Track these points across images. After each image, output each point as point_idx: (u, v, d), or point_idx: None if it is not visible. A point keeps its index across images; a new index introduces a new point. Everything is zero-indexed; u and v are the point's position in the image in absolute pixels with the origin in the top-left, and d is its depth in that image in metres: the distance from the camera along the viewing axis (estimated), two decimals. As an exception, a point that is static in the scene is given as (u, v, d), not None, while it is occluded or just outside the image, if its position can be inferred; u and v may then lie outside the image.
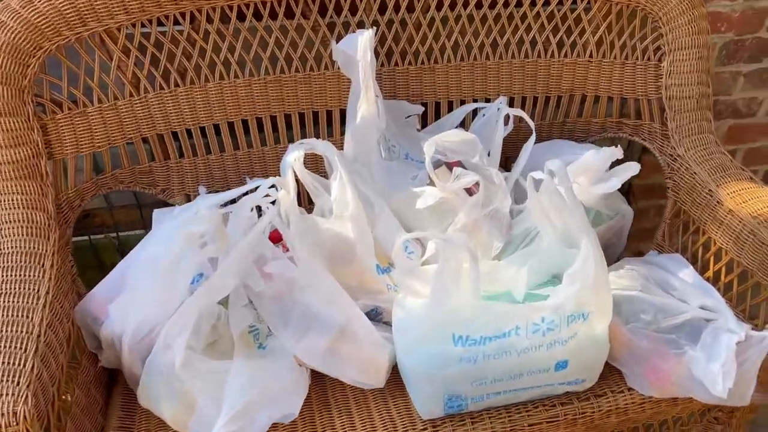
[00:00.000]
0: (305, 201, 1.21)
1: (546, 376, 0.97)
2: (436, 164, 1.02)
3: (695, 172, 1.17)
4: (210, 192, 1.20)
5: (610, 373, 1.06)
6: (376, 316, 1.08)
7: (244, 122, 1.18)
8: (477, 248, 1.04)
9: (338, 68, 1.14)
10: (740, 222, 1.07)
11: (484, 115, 1.18)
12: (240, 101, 1.15)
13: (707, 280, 1.15)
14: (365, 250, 1.01)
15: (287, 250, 0.99)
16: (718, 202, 1.12)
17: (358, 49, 0.98)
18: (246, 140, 1.19)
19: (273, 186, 0.92)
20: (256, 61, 1.14)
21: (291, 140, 1.22)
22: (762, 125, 1.68)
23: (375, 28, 1.12)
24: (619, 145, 1.02)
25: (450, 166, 1.01)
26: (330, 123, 1.23)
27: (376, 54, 1.15)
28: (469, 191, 1.01)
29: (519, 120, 1.18)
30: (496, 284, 1.00)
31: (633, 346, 1.03)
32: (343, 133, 1.22)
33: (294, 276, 0.95)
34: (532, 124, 1.11)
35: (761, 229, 1.04)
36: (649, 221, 1.74)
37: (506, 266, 1.00)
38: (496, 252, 1.07)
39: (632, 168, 0.99)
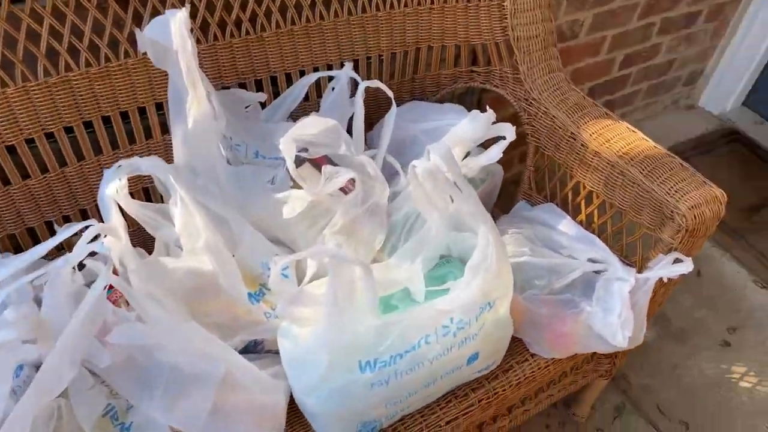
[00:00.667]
0: (130, 222, 0.97)
1: (458, 373, 0.89)
2: (298, 162, 0.85)
3: (554, 116, 1.13)
4: (2, 239, 0.92)
5: (512, 343, 1.01)
6: (255, 347, 0.92)
7: (29, 141, 0.89)
8: (359, 248, 0.92)
9: (145, 53, 0.90)
10: (608, 164, 1.06)
11: (333, 89, 1.01)
12: (17, 117, 0.86)
13: (580, 223, 1.14)
14: (230, 281, 0.83)
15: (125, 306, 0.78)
16: (582, 145, 1.09)
17: (172, 37, 0.75)
18: (38, 164, 0.92)
19: (95, 238, 0.69)
20: (28, 60, 0.85)
21: (98, 151, 0.97)
22: (584, 45, 1.70)
23: (183, 3, 0.89)
24: (489, 109, 0.93)
25: (315, 163, 0.85)
26: (145, 120, 0.99)
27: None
28: (343, 188, 0.86)
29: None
30: (390, 286, 0.88)
31: (532, 314, 0.98)
32: (164, 132, 1.00)
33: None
34: (390, 94, 0.97)
35: (630, 169, 1.03)
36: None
37: (398, 263, 0.89)
38: (379, 245, 0.94)
39: (508, 131, 0.91)
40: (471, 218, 0.84)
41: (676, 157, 1.04)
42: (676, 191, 0.98)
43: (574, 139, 1.10)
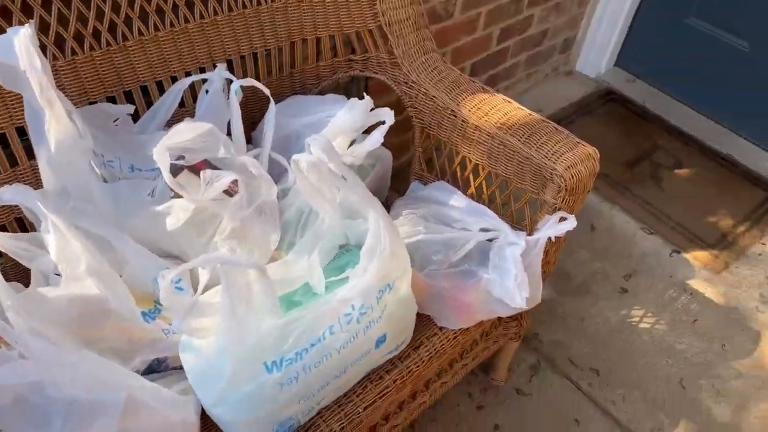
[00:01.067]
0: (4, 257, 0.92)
1: (369, 357, 0.91)
2: (176, 171, 0.83)
3: (434, 96, 1.16)
4: None
5: (419, 320, 1.04)
6: (159, 366, 0.89)
7: None
8: (254, 250, 0.91)
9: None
10: (489, 136, 1.09)
11: (207, 91, 0.99)
12: None
13: (470, 196, 1.17)
14: (121, 303, 0.80)
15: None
16: (463, 121, 1.12)
17: (18, 56, 0.71)
18: None
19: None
20: None
21: (-41, 185, 0.90)
22: (460, 24, 1.75)
23: (29, 19, 0.84)
24: (366, 95, 0.94)
25: (194, 169, 0.83)
26: (6, 148, 0.93)
27: (43, 48, 0.88)
28: (227, 190, 0.85)
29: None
30: (291, 283, 0.88)
31: (434, 289, 1.01)
32: (31, 157, 0.94)
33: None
34: (267, 91, 0.96)
35: (509, 138, 1.07)
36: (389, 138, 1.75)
37: (295, 260, 0.89)
38: (275, 245, 0.94)
39: (387, 115, 0.92)
40: (360, 205, 0.85)
41: (550, 122, 1.09)
42: (552, 154, 1.03)
43: (455, 116, 1.13)
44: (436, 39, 1.71)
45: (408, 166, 1.41)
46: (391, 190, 1.29)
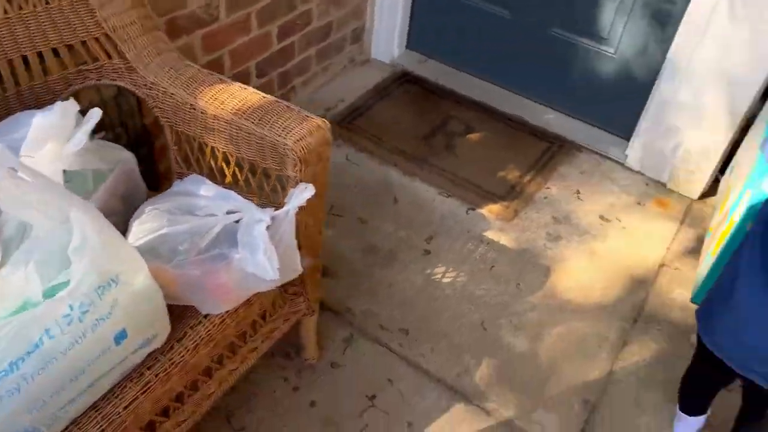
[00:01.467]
0: None
1: (111, 355, 0.91)
2: None
3: (173, 93, 1.18)
4: None
5: (182, 312, 1.05)
6: None
7: None
8: (-33, 271, 0.88)
9: None
10: (226, 123, 1.13)
11: None
12: None
13: (229, 185, 1.20)
14: None
15: None
16: (202, 112, 1.15)
17: None
18: None
19: None
20: None
21: None
22: (229, 26, 1.77)
23: None
24: (71, 98, 0.94)
25: None
26: None
27: None
28: None
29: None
30: (8, 300, 0.86)
31: (185, 279, 1.03)
32: None
33: None
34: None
35: (243, 122, 1.11)
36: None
37: (10, 272, 0.87)
38: (-4, 264, 0.91)
39: (94, 115, 0.93)
40: (63, 206, 0.84)
41: (282, 101, 1.15)
42: (283, 130, 1.08)
43: (194, 109, 1.16)
44: (207, 43, 1.74)
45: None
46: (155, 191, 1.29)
